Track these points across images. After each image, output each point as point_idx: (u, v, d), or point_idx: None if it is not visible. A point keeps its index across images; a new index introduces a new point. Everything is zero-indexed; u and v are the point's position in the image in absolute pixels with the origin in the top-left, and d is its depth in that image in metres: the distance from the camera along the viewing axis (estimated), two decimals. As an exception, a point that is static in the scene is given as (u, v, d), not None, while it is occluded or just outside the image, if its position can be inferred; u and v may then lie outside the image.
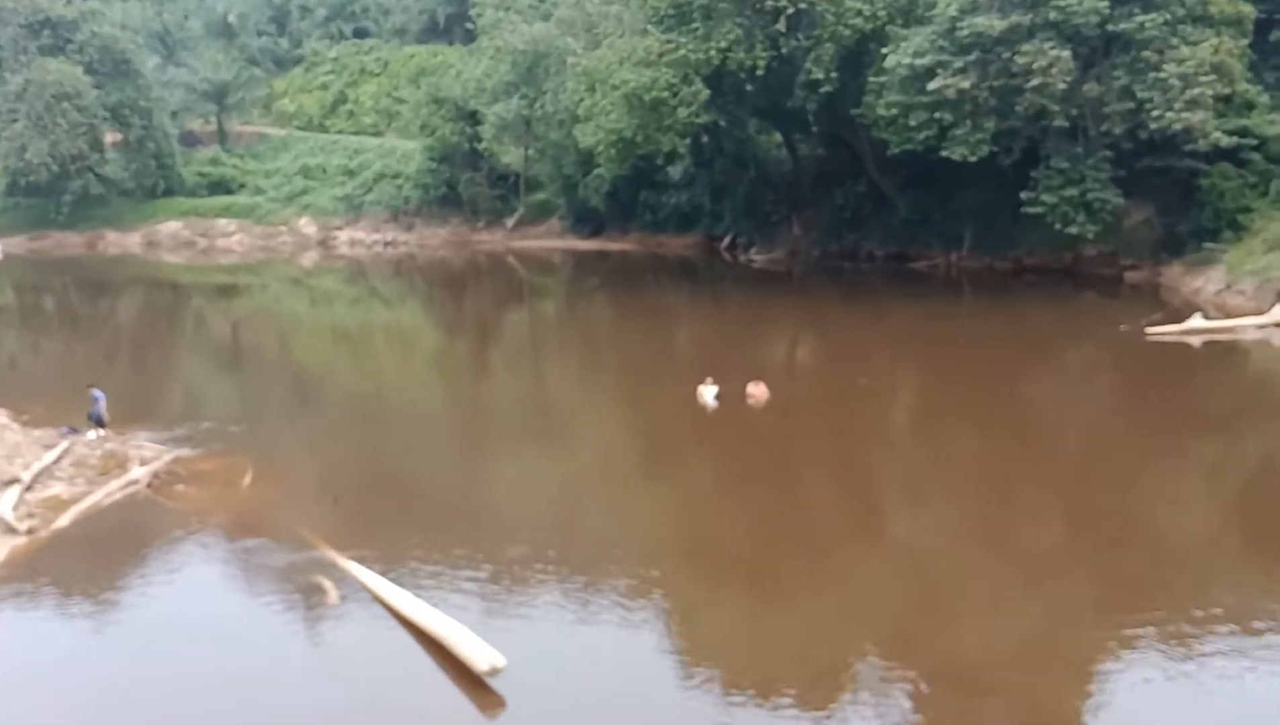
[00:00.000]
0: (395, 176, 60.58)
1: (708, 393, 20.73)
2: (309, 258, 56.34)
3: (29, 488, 15.65)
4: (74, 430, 18.32)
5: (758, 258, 47.84)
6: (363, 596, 12.15)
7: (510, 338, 33.97)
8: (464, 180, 57.34)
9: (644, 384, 24.27)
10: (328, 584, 12.40)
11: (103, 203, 60.22)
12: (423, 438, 19.78)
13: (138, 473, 16.30)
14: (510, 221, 57.85)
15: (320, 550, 13.27)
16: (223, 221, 61.59)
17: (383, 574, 12.45)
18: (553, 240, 56.41)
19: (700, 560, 13.58)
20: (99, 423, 18.48)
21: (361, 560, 12.84)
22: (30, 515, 14.73)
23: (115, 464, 16.87)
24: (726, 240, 50.47)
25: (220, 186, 63.94)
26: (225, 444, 18.11)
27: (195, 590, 12.72)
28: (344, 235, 60.10)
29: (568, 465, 17.96)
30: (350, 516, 14.75)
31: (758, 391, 20.90)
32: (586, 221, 55.48)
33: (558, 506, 15.55)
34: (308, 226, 60.94)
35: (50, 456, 16.93)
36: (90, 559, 13.65)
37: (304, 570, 12.84)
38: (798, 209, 48.18)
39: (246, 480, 16.07)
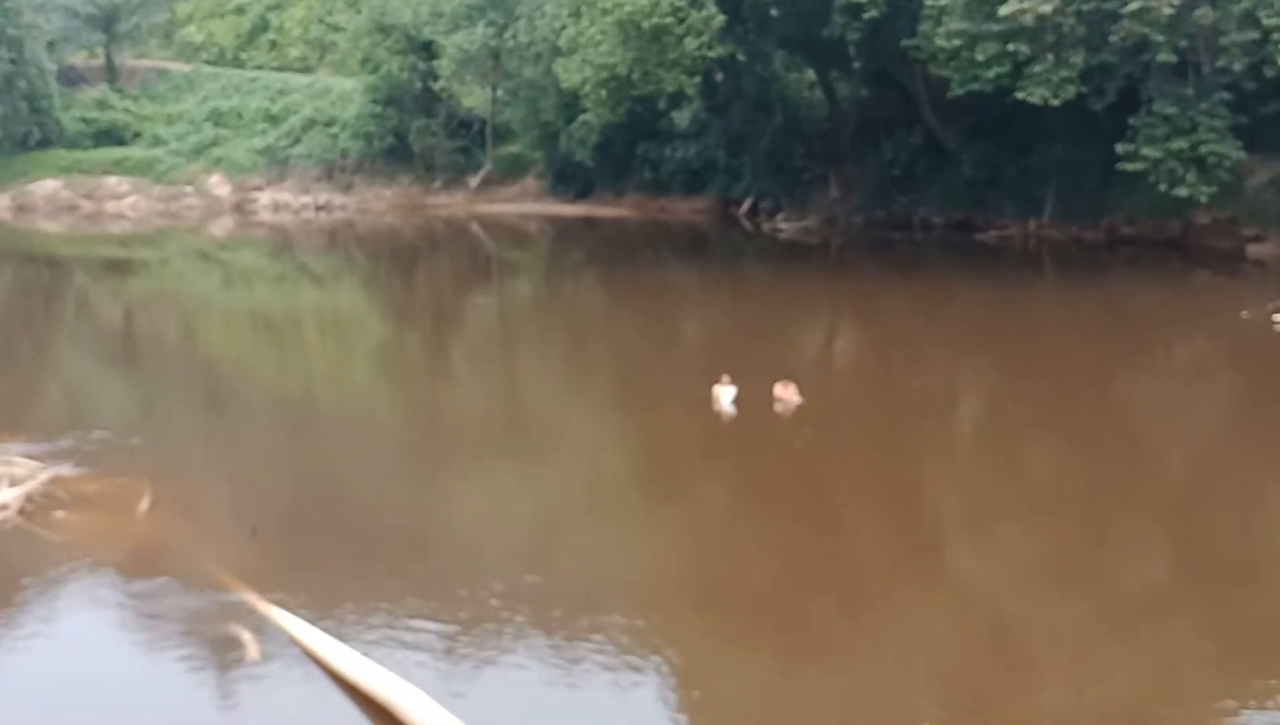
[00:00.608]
0: (329, 124, 60.63)
1: (724, 396, 20.77)
2: (221, 225, 56.30)
3: None
4: (-74, 442, 18.29)
5: (785, 226, 47.92)
6: (291, 651, 12.14)
7: (475, 327, 33.97)
8: (416, 129, 57.40)
9: (643, 385, 24.29)
10: (246, 636, 12.39)
11: (-39, 157, 60.17)
12: (365, 454, 19.78)
13: (6, 496, 16.27)
14: (474, 181, 57.92)
15: (237, 593, 13.27)
16: (113, 180, 61.59)
17: (315, 623, 12.44)
18: (528, 204, 56.45)
19: (715, 607, 13.58)
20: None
21: (288, 606, 12.83)
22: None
23: (-22, 485, 16.83)
24: (746, 204, 50.57)
25: (109, 136, 63.90)
26: (117, 460, 18.06)
27: (80, 643, 12.70)
28: (265, 197, 60.15)
29: (548, 489, 17.97)
30: (274, 551, 14.75)
31: (786, 394, 20.92)
32: (570, 181, 55.54)
33: (535, 540, 15.54)
34: (219, 186, 60.98)
35: (-103, 476, 16.91)
36: (-53, 604, 13.62)
37: (216, 618, 12.82)
38: (836, 165, 48.28)
39: (144, 505, 16.05)
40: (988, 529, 16.08)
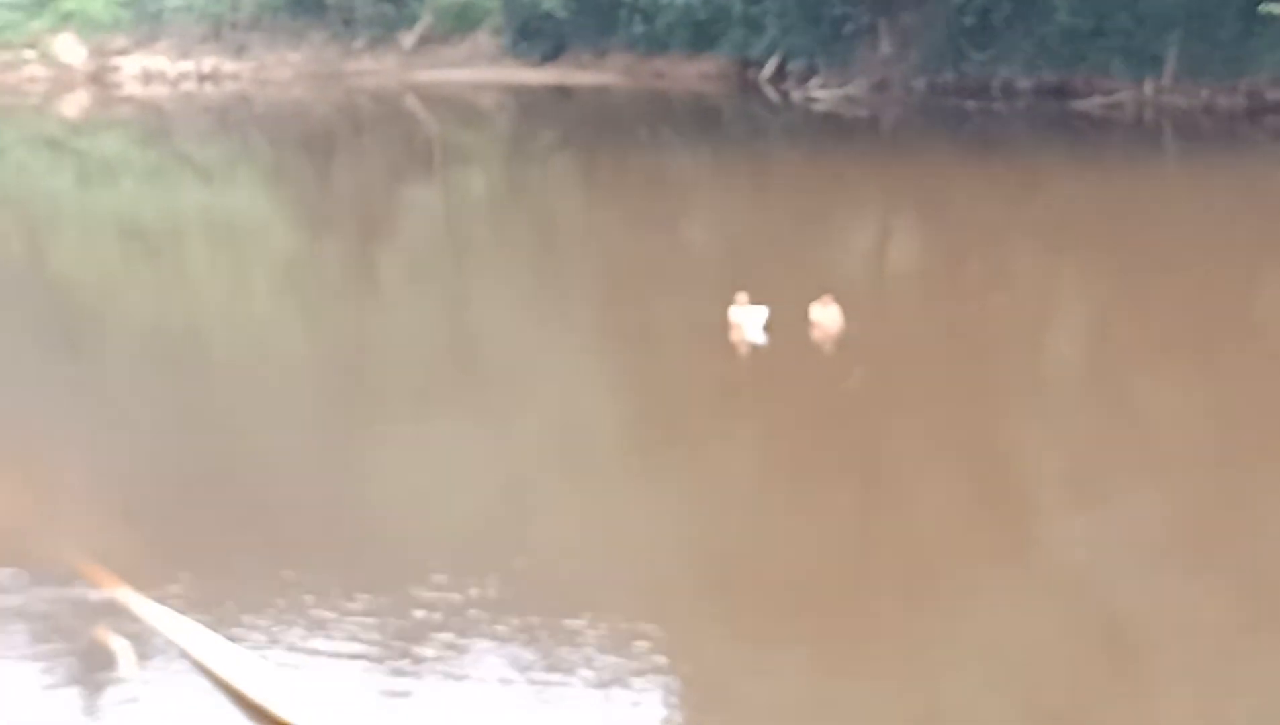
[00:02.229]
0: (215, -35, 60.08)
1: (748, 319, 20.74)
2: (75, 102, 55.97)
3: None
4: None
5: (822, 94, 47.68)
6: (178, 663, 12.15)
7: (412, 235, 33.84)
8: (331, -30, 56.90)
9: (638, 310, 24.22)
10: (118, 643, 12.39)
11: None
12: (270, 406, 19.76)
13: None
14: (409, 39, 57.50)
15: (104, 588, 13.24)
16: (-73, 44, 61.12)
17: (209, 627, 12.43)
18: (481, 69, 56.09)
19: (738, 603, 13.59)
20: None
21: (174, 605, 12.83)
22: None
23: None
24: (770, 66, 50.22)
25: (-79, -15, 63.30)
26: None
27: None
28: (132, 64, 59.65)
29: (514, 451, 17.94)
30: (153, 534, 14.72)
31: (825, 318, 20.90)
32: (536, 38, 55.15)
33: (498, 520, 15.51)
34: (71, 51, 60.48)
35: None
36: None
37: (79, 620, 12.83)
38: (888, 13, 47.92)
39: (-21, 475, 16.07)
40: (1093, 494, 16.08)
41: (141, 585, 13.18)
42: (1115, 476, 16.49)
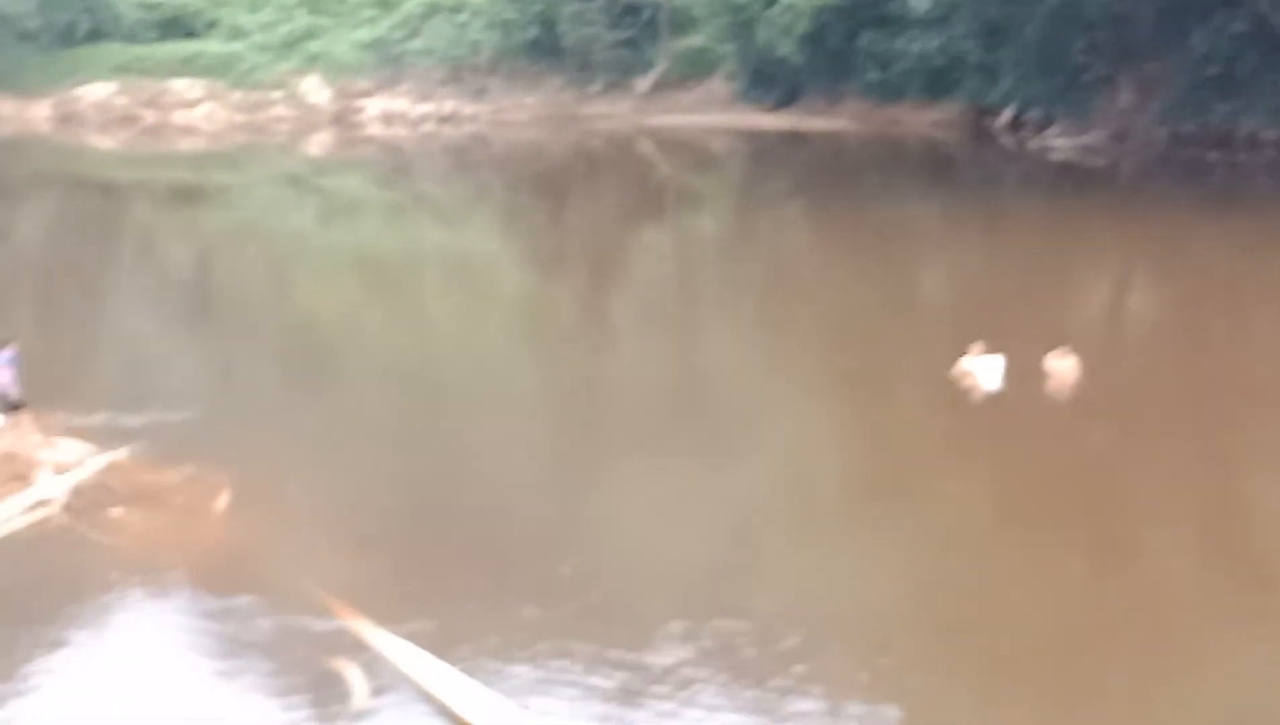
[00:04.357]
0: (456, 10, 61.03)
1: (982, 368, 20.59)
2: (319, 142, 57.18)
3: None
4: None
5: (1060, 143, 47.04)
6: (411, 696, 12.26)
7: (643, 277, 33.93)
8: (567, 15, 57.50)
9: (868, 356, 24.03)
10: (352, 674, 12.53)
11: (-6, 54, 61.76)
12: (502, 443, 19.88)
13: (51, 487, 16.64)
14: (644, 84, 57.93)
15: (340, 618, 13.42)
16: (181, 83, 62.75)
17: (442, 661, 12.51)
18: (714, 114, 56.26)
19: (963, 656, 13.39)
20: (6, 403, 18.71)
21: (408, 636, 12.94)
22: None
23: (13, 473, 17.17)
24: (1006, 115, 49.78)
25: (176, 27, 64.99)
26: (188, 444, 18.34)
27: (139, 678, 12.93)
28: (374, 106, 60.84)
29: (739, 496, 17.81)
30: (387, 566, 14.92)
31: (1062, 369, 20.63)
32: (770, 84, 55.21)
33: (724, 565, 15.46)
34: (317, 92, 61.84)
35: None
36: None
37: (314, 649, 13.01)
38: (1129, 63, 47.20)
39: (222, 503, 16.36)
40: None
41: (376, 616, 13.35)
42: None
